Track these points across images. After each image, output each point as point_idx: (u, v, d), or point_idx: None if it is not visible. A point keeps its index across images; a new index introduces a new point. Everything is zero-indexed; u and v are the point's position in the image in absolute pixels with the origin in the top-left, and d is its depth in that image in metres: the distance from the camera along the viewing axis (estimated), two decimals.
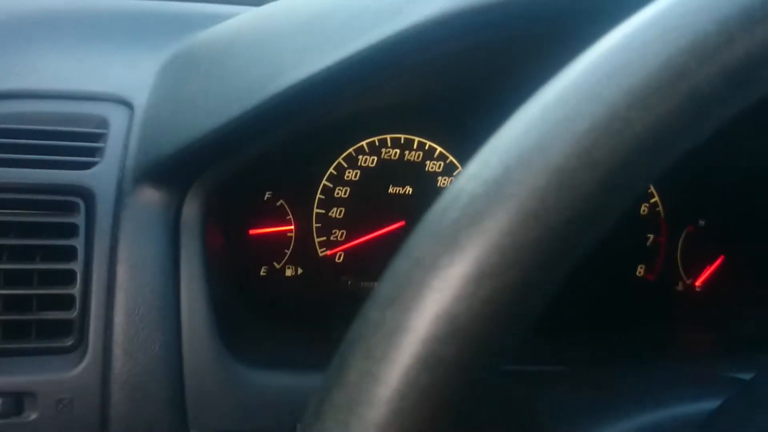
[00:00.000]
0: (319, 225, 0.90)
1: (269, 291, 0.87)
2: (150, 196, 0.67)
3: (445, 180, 0.93)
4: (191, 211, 0.68)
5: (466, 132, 0.91)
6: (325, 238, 0.90)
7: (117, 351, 0.63)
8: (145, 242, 0.65)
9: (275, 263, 0.89)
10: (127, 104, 0.76)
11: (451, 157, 0.93)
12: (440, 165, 0.93)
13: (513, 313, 0.27)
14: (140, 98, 0.76)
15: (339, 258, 0.91)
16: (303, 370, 0.69)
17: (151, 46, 0.89)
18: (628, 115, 0.28)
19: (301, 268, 0.90)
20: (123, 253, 0.65)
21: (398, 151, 0.92)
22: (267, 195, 0.88)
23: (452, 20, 0.56)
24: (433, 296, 0.27)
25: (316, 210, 0.90)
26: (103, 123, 0.74)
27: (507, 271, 0.27)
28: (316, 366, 0.70)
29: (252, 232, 0.87)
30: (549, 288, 0.28)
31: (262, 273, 0.89)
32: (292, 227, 0.89)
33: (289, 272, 0.89)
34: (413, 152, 0.92)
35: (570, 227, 0.28)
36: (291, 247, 0.89)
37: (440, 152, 0.92)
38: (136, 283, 0.64)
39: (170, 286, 0.65)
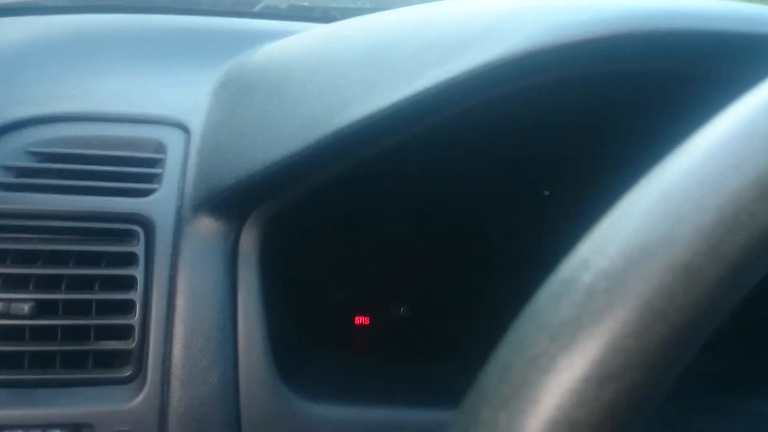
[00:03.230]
0: (373, 246, 0.89)
1: (323, 316, 0.87)
2: (208, 226, 0.67)
3: (497, 204, 0.91)
4: (249, 240, 0.68)
5: (519, 155, 0.90)
6: (377, 261, 0.89)
7: (175, 383, 0.62)
8: (204, 273, 0.65)
9: (327, 286, 0.88)
10: (183, 128, 0.75)
11: (503, 181, 0.91)
12: (493, 189, 0.91)
13: (633, 414, 0.26)
14: (196, 121, 0.76)
15: (390, 279, 0.90)
16: (361, 403, 0.68)
17: (204, 64, 0.88)
18: (756, 208, 0.26)
19: (352, 291, 0.89)
20: (182, 284, 0.64)
21: None
22: (319, 215, 0.87)
23: (530, 59, 0.54)
24: (552, 401, 0.25)
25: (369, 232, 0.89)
26: (161, 147, 0.73)
27: (631, 373, 0.25)
28: (375, 399, 0.70)
29: (305, 254, 0.87)
30: (668, 384, 0.27)
31: (313, 295, 0.88)
32: (345, 249, 0.88)
33: (340, 294, 0.88)
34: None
35: (694, 323, 0.26)
36: (343, 269, 0.88)
37: (493, 176, 0.91)
38: (195, 314, 0.64)
39: (228, 317, 0.65)
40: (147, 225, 0.67)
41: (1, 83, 0.79)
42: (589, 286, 0.27)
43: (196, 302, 0.64)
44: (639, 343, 0.25)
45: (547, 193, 0.92)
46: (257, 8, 1.15)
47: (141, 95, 0.82)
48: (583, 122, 0.78)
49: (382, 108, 0.59)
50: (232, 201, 0.67)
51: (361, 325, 0.88)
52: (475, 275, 0.91)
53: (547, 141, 0.85)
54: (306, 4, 1.19)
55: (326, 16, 1.16)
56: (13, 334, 0.62)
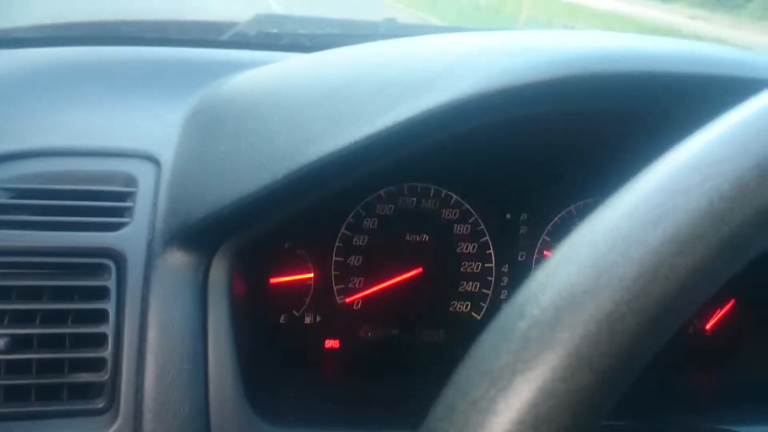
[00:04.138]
0: (337, 273, 0.91)
1: (290, 340, 0.89)
2: (179, 259, 0.69)
3: (461, 227, 0.94)
4: (218, 272, 0.70)
5: (481, 180, 0.93)
6: (343, 286, 0.92)
7: (147, 414, 0.64)
8: (174, 305, 0.67)
9: (295, 311, 0.90)
10: (154, 160, 0.77)
11: (466, 205, 0.94)
12: (456, 212, 0.94)
13: None
14: (166, 154, 0.78)
15: (357, 305, 0.92)
16: (329, 427, 0.70)
17: (173, 96, 0.90)
18: (674, 262, 0.29)
19: (320, 315, 0.91)
20: (153, 316, 0.66)
21: (415, 199, 0.93)
22: (287, 244, 0.90)
23: (481, 101, 0.58)
24: None
25: (335, 258, 0.91)
26: (131, 181, 0.75)
27: (561, 415, 0.28)
28: (343, 422, 0.72)
29: (273, 281, 0.89)
30: (597, 425, 0.30)
31: (281, 321, 0.90)
32: (312, 275, 0.90)
33: (308, 320, 0.91)
34: (429, 200, 0.94)
35: (619, 368, 0.29)
36: (310, 295, 0.90)
37: (456, 200, 0.94)
38: (166, 346, 0.65)
39: (198, 348, 0.67)
40: (118, 259, 0.68)
41: None
42: (524, 333, 0.29)
43: (167, 335, 0.66)
44: (568, 387, 0.28)
45: (508, 216, 0.95)
46: (227, 36, 1.18)
47: (111, 128, 0.83)
48: (541, 151, 0.82)
49: (347, 145, 0.62)
50: (202, 234, 0.69)
51: (331, 349, 0.90)
52: (443, 298, 0.94)
53: (507, 168, 0.89)
54: (275, 31, 1.21)
55: (295, 43, 1.19)
56: None
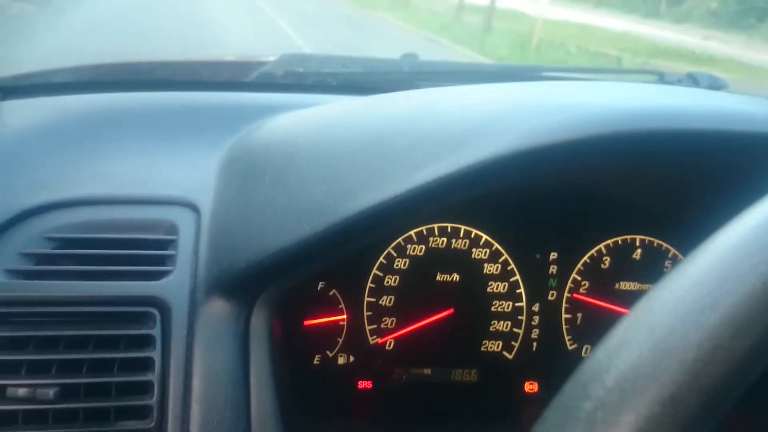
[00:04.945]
0: (369, 313, 0.92)
1: (324, 381, 0.90)
2: (221, 307, 0.70)
3: (490, 267, 0.96)
4: (259, 319, 0.71)
5: (510, 220, 0.94)
6: (375, 326, 0.93)
7: None
8: (218, 353, 0.68)
9: (328, 352, 0.92)
10: (194, 207, 0.80)
11: (496, 245, 0.96)
12: (486, 252, 0.96)
13: None
14: (205, 201, 0.80)
15: (389, 345, 0.93)
16: None
17: (206, 141, 0.92)
18: (731, 344, 0.31)
19: (353, 356, 0.92)
20: (198, 365, 0.68)
21: (445, 239, 0.95)
22: (320, 285, 0.91)
23: (517, 159, 0.59)
24: None
25: (366, 299, 0.92)
26: (173, 228, 0.77)
27: None
28: None
29: (307, 322, 0.90)
30: None
31: (315, 362, 0.91)
32: (345, 316, 0.92)
33: (341, 360, 0.92)
34: (459, 240, 0.95)
35: None
36: (343, 336, 0.92)
37: (486, 240, 0.95)
38: (211, 393, 0.67)
39: (241, 394, 0.68)
40: (163, 307, 0.70)
41: (16, 168, 0.83)
42: (590, 415, 0.31)
43: (212, 382, 0.67)
44: None
45: (538, 255, 0.97)
46: (255, 75, 1.20)
47: (150, 175, 0.86)
48: (569, 192, 0.83)
49: (386, 199, 0.63)
50: (244, 284, 0.70)
51: (364, 389, 0.92)
52: (474, 337, 0.95)
53: (536, 208, 0.90)
54: (301, 70, 1.23)
55: (321, 82, 1.21)
56: (37, 418, 0.65)
